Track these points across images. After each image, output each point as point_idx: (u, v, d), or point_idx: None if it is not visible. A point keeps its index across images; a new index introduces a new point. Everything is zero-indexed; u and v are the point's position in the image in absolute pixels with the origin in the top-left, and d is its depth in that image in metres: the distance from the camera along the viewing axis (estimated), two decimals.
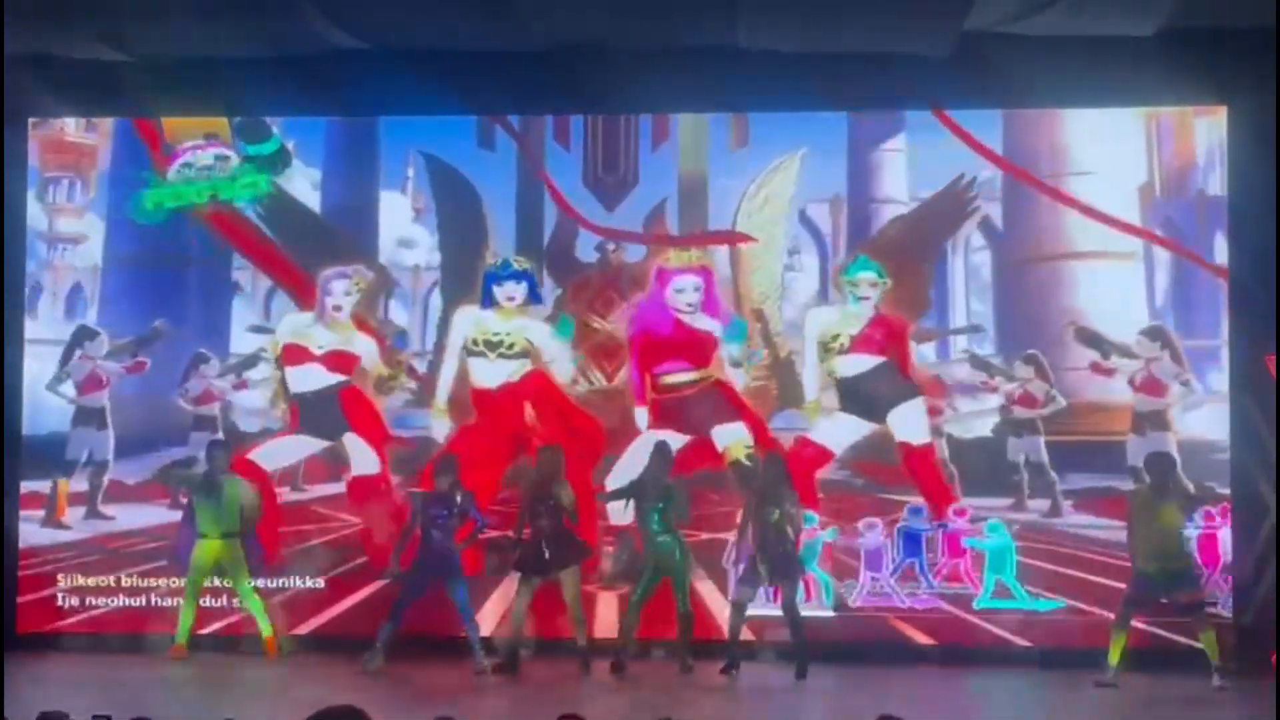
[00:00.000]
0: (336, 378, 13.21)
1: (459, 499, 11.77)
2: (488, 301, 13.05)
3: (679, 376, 12.95)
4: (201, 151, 13.69)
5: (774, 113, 13.47)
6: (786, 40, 12.49)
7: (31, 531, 13.53)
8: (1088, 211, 13.00)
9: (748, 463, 12.50)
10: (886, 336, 12.89)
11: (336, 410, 13.25)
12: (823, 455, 12.97)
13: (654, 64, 12.67)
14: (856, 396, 13.00)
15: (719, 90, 13.14)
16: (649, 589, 11.90)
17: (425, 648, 12.41)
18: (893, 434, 12.95)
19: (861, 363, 12.88)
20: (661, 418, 12.99)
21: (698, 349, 12.85)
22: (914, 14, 12.05)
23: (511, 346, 12.91)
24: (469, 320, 13.13)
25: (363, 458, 13.24)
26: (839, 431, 13.02)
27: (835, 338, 12.86)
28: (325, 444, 13.38)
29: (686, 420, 12.98)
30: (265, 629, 12.61)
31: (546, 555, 11.75)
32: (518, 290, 12.87)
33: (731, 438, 12.84)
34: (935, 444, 12.84)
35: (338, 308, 13.16)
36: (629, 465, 12.63)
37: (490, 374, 13.06)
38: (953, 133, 13.14)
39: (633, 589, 12.05)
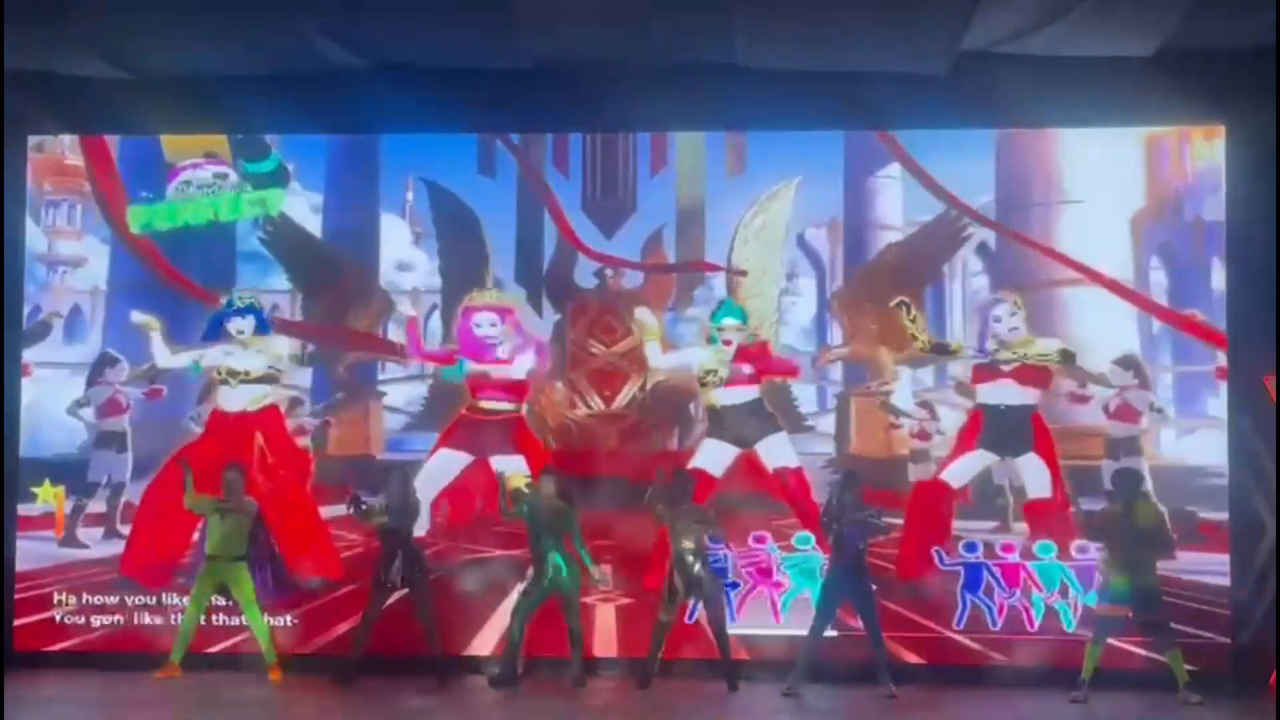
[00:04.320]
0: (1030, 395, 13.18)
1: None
2: (215, 335, 13.59)
3: (495, 404, 13.46)
4: (200, 170, 13.76)
5: (771, 134, 13.52)
6: (784, 59, 12.53)
7: (31, 550, 13.56)
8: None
9: (526, 491, 12.81)
10: (754, 366, 13.35)
11: (1027, 427, 13.15)
12: (707, 482, 13.18)
13: (653, 82, 12.79)
14: (727, 424, 13.35)
15: (717, 109, 13.20)
16: (535, 605, 12.31)
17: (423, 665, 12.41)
18: (762, 461, 13.29)
19: (739, 393, 13.28)
20: (458, 435, 13.50)
21: (515, 385, 13.46)
22: (911, 34, 12.10)
23: (249, 374, 13.52)
24: (215, 355, 13.60)
25: (1039, 479, 13.12)
26: (712, 457, 13.35)
27: (711, 373, 13.28)
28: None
29: (479, 443, 13.44)
30: (270, 656, 12.56)
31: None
32: (245, 324, 13.50)
33: (511, 468, 13.22)
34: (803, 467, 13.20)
35: None
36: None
37: (233, 399, 13.57)
38: None
39: (520, 604, 12.37)
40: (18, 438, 13.67)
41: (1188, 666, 11.84)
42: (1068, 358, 13.03)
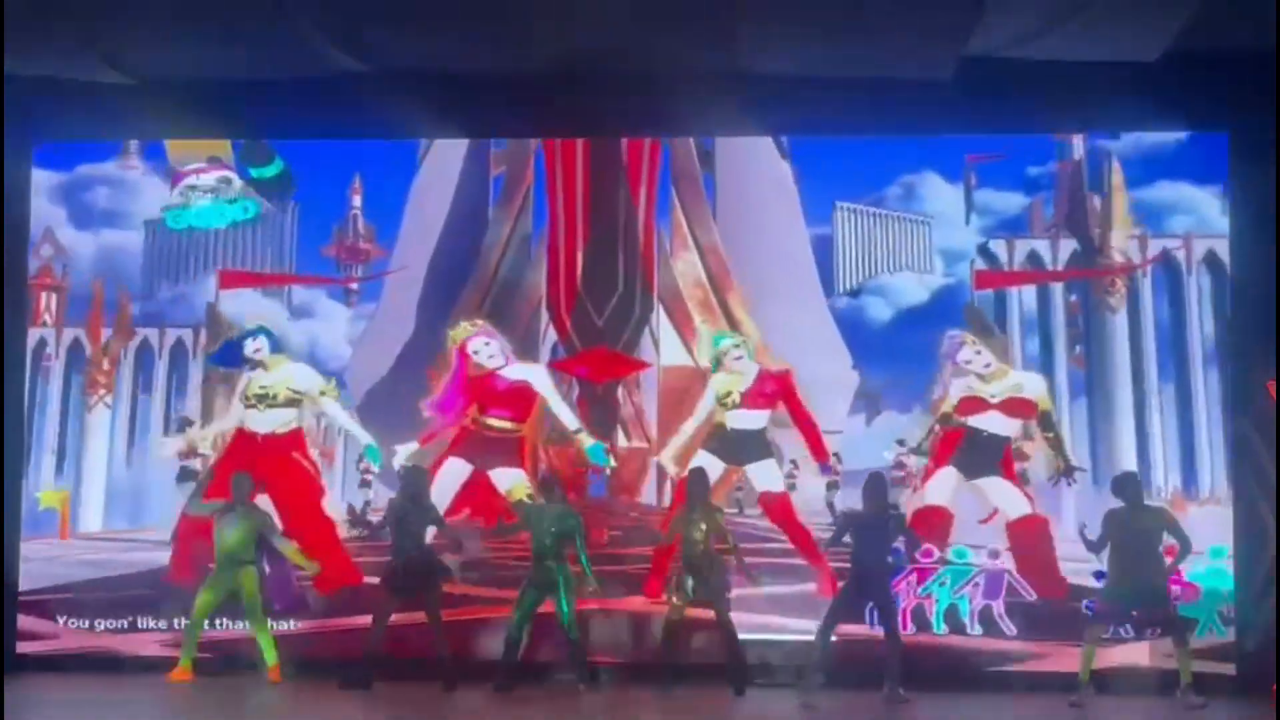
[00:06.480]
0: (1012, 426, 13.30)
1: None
2: (235, 361, 13.76)
3: (500, 423, 13.56)
4: (204, 174, 13.81)
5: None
6: (788, 65, 12.53)
7: (35, 552, 13.63)
8: None
9: (528, 501, 13.02)
10: (774, 389, 13.46)
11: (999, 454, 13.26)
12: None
13: (656, 88, 12.80)
14: (730, 444, 13.44)
15: (719, 114, 13.20)
16: (531, 609, 12.28)
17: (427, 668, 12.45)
18: (752, 482, 13.46)
19: (751, 418, 13.43)
20: (462, 446, 13.56)
21: (522, 402, 13.56)
22: (915, 39, 12.11)
23: (275, 397, 13.63)
24: (244, 380, 13.77)
25: (1011, 499, 13.21)
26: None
27: (728, 394, 13.42)
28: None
29: (480, 456, 13.53)
30: (271, 659, 12.56)
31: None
32: (259, 343, 13.65)
33: (512, 481, 13.44)
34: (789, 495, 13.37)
35: None
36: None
37: (259, 421, 13.67)
38: None
39: (515, 608, 12.35)
40: (19, 438, 13.71)
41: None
42: (1045, 419, 13.21)
